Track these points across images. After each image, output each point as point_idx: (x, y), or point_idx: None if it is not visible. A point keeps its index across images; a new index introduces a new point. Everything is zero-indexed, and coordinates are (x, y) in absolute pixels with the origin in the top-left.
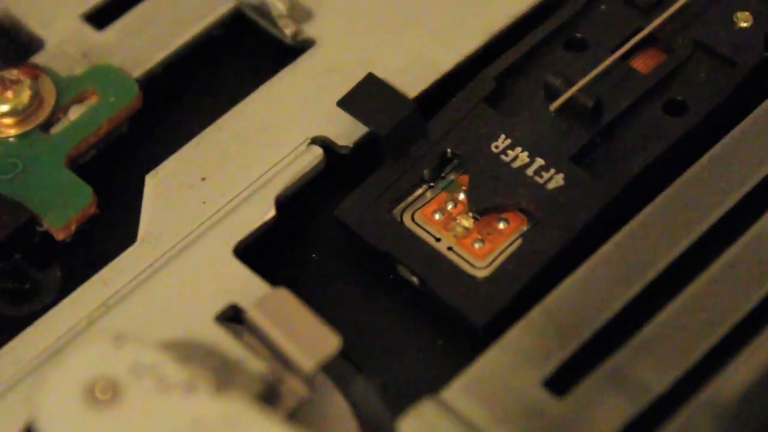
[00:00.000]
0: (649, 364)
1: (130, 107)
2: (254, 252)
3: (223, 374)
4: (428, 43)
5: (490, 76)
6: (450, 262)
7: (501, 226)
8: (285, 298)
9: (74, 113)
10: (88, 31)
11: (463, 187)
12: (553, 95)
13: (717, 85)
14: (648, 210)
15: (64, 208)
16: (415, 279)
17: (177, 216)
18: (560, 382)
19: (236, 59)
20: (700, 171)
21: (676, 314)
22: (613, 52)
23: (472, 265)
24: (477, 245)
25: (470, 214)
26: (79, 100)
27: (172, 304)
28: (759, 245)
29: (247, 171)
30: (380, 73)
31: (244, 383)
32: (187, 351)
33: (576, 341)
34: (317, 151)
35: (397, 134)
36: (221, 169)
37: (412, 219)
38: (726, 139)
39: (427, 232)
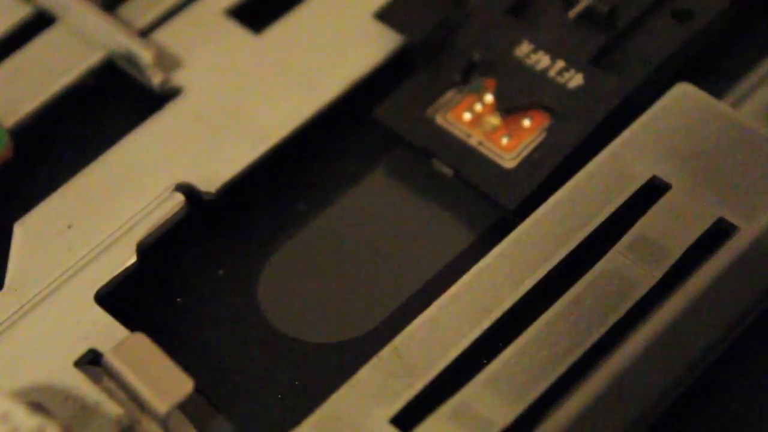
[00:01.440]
0: (493, 400)
1: (1, 157)
2: (117, 298)
3: (80, 418)
4: (290, 90)
5: None
6: (481, 155)
7: (526, 122)
8: (141, 342)
9: None
10: None
11: (490, 90)
12: (571, 4)
13: None
14: (496, 251)
15: None
16: (449, 171)
17: (43, 263)
18: (407, 419)
19: (107, 108)
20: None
21: (519, 351)
22: None
23: (500, 157)
24: (504, 140)
25: (498, 113)
26: None
27: (33, 350)
28: (600, 283)
29: (111, 218)
30: (245, 119)
31: (100, 427)
32: (45, 396)
33: (423, 379)
34: (179, 198)
35: (429, 42)
36: (87, 216)
37: (444, 118)
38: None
39: (459, 129)
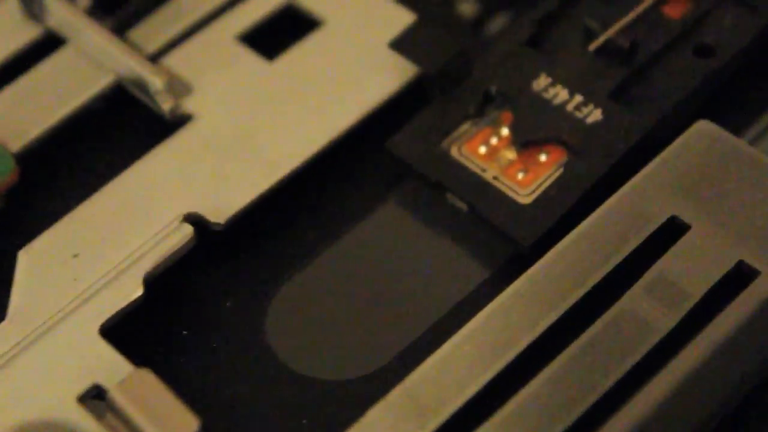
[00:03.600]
0: None
1: (6, 183)
2: (122, 331)
3: None
4: (302, 120)
5: (531, 19)
6: (496, 190)
7: (543, 157)
8: (147, 378)
9: None
10: None
11: (507, 123)
12: (591, 37)
13: (741, 30)
14: (511, 289)
15: None
16: (464, 205)
17: (47, 294)
18: None
19: (116, 133)
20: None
21: (534, 394)
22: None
23: (516, 193)
24: (520, 175)
25: (514, 147)
26: None
27: (36, 384)
28: (617, 325)
29: (118, 248)
30: (256, 148)
31: None
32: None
33: (435, 421)
34: (187, 230)
35: (445, 73)
36: (94, 246)
37: (459, 152)
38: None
39: (474, 163)
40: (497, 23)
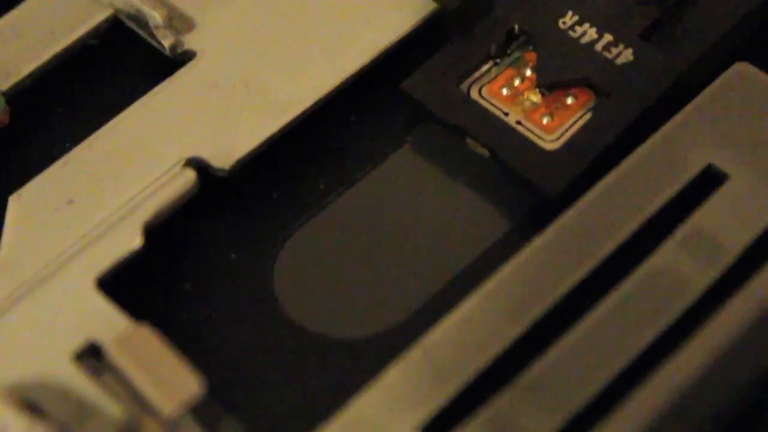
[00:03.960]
0: (532, 410)
1: None
2: (120, 283)
3: (77, 418)
4: (313, 59)
5: None
6: (520, 135)
7: (569, 101)
8: (146, 336)
9: None
10: None
11: (531, 63)
12: None
13: None
14: (536, 243)
15: None
16: (485, 151)
17: (39, 242)
18: (437, 427)
19: (112, 71)
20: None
21: (562, 356)
22: None
23: (541, 138)
24: (545, 119)
25: (538, 89)
26: None
27: (27, 341)
28: (650, 281)
29: (115, 194)
30: (263, 89)
31: (99, 427)
32: (40, 393)
33: (455, 383)
34: (190, 175)
35: (465, 10)
36: (89, 191)
37: (480, 94)
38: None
39: (496, 106)
40: None
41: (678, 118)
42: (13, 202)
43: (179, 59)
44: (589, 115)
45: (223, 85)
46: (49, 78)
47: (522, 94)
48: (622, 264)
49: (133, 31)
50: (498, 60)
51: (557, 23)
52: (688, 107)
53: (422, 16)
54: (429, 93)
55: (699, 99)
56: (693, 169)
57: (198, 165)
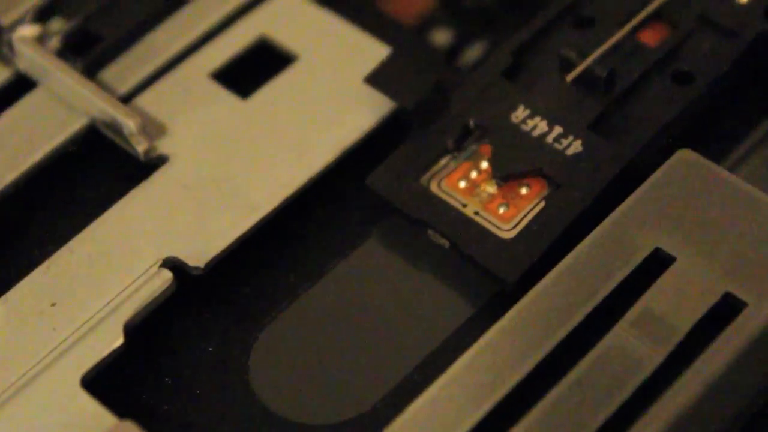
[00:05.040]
0: None
1: None
2: (103, 381)
3: None
4: (281, 158)
5: (507, 51)
6: (478, 225)
7: (523, 191)
8: (131, 431)
9: None
10: None
11: (486, 156)
12: (568, 68)
13: (720, 56)
14: (496, 327)
15: None
16: (445, 242)
17: (25, 344)
18: None
19: (90, 176)
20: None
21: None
22: (620, 28)
23: (498, 228)
24: (502, 209)
25: (494, 180)
26: None
27: None
28: (604, 361)
29: (96, 296)
30: (234, 189)
31: None
32: None
33: None
34: (167, 275)
35: (422, 107)
36: (71, 294)
37: (439, 187)
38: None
39: (454, 198)
40: (472, 52)
41: (626, 204)
42: (0, 307)
43: (153, 163)
44: (542, 204)
45: (196, 187)
46: (29, 185)
47: (479, 185)
48: (579, 344)
49: (108, 138)
50: (455, 153)
51: (510, 117)
52: (635, 194)
53: (383, 114)
54: (391, 188)
55: (645, 185)
56: (641, 252)
57: (174, 264)
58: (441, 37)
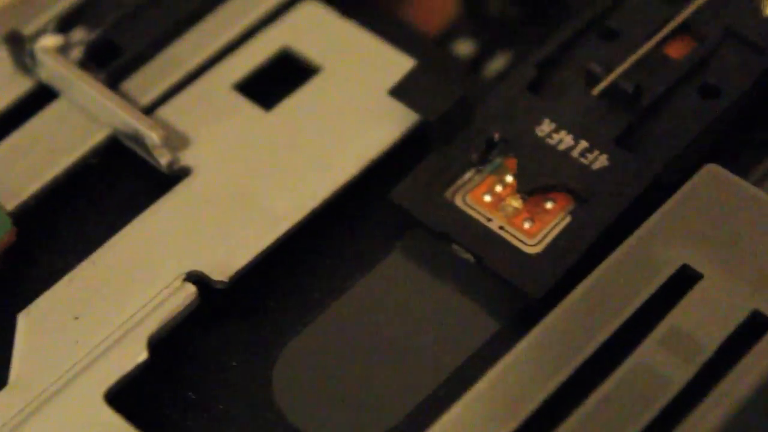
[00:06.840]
0: None
1: (2, 243)
2: (127, 395)
3: None
4: (304, 172)
5: (532, 63)
6: (503, 240)
7: (549, 205)
8: None
9: None
10: None
11: (511, 170)
12: (594, 81)
13: (746, 70)
14: (522, 345)
15: None
16: (470, 257)
17: (49, 358)
18: None
19: (113, 189)
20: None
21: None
22: (645, 40)
23: (523, 243)
24: (527, 224)
25: (519, 194)
26: None
27: None
28: (632, 379)
29: (120, 309)
30: (258, 202)
31: None
32: None
33: None
34: (190, 289)
35: (446, 120)
36: (95, 307)
37: (464, 201)
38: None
39: (479, 212)
40: (496, 63)
41: (652, 219)
42: (22, 320)
43: (176, 175)
44: (568, 219)
45: (219, 200)
46: (52, 197)
47: (504, 199)
48: (605, 362)
49: (131, 150)
50: (480, 167)
51: (534, 131)
52: (662, 209)
53: (406, 128)
54: (416, 202)
55: (671, 201)
56: (668, 269)
57: (197, 278)
58: (463, 48)
